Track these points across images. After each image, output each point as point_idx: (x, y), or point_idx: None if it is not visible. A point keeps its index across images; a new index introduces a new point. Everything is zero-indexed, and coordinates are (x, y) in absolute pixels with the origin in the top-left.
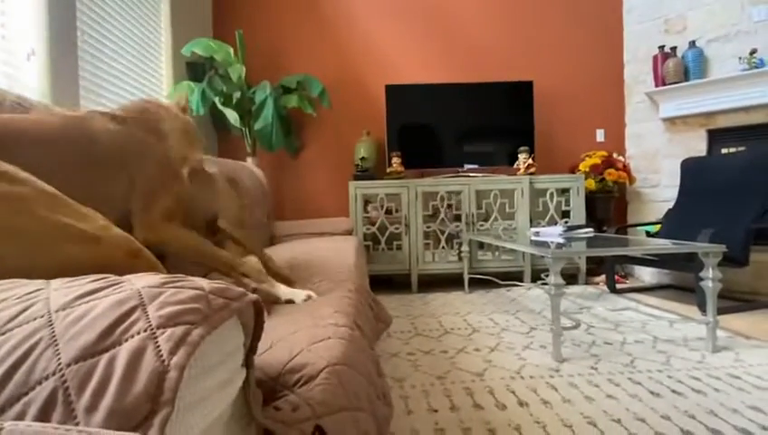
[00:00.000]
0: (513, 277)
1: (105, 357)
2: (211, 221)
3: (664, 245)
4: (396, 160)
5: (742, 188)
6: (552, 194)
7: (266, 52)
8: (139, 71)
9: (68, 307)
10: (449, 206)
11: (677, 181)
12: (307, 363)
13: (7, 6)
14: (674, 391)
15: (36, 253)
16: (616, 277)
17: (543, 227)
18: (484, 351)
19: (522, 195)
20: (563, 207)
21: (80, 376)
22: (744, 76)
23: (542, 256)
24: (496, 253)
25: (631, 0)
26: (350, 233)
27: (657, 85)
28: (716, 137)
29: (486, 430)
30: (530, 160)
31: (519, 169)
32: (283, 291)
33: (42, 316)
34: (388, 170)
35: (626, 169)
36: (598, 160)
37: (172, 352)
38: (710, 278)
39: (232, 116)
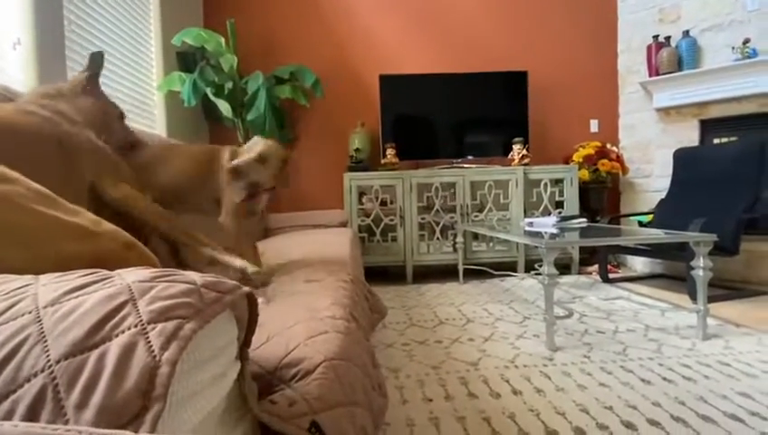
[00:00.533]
0: (507, 268)
1: (95, 353)
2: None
3: (656, 234)
4: (390, 152)
5: (733, 178)
6: (545, 184)
7: (258, 41)
8: (128, 61)
9: (56, 303)
10: (444, 197)
11: (670, 171)
12: (304, 358)
13: None
14: (665, 379)
15: (35, 251)
16: (609, 267)
17: (537, 217)
18: (479, 340)
19: (516, 185)
20: (557, 198)
21: (69, 373)
22: (737, 66)
23: (536, 247)
24: (490, 244)
25: None
26: (344, 225)
27: (650, 75)
28: (709, 127)
29: (481, 419)
30: (524, 151)
31: (513, 160)
32: (238, 263)
33: (30, 312)
34: (382, 162)
35: (619, 159)
36: (591, 151)
37: (163, 348)
38: (701, 267)
39: (224, 107)
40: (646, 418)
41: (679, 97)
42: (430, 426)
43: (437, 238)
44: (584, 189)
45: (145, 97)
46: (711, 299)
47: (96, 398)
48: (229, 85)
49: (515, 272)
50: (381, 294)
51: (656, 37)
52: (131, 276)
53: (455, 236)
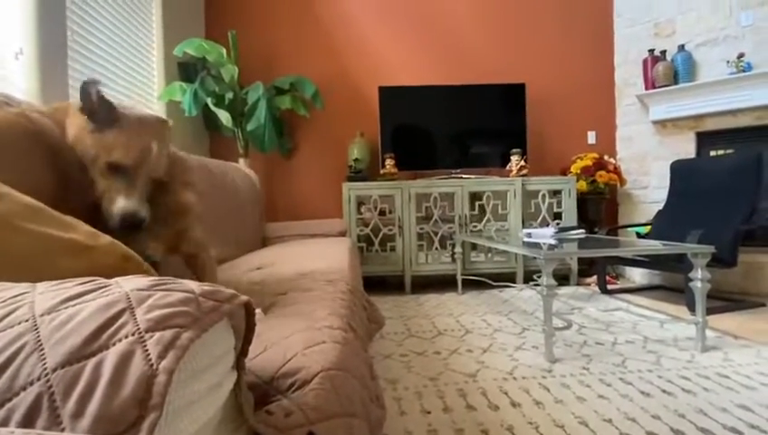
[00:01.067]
0: (506, 278)
1: (92, 362)
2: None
3: (654, 246)
4: (389, 162)
5: (730, 190)
6: (544, 195)
7: (259, 52)
8: (130, 71)
9: (53, 311)
10: (443, 208)
11: (667, 183)
12: (301, 368)
13: None
14: (664, 391)
15: (30, 272)
16: (607, 278)
17: (535, 228)
18: (477, 352)
19: (514, 196)
20: (555, 209)
21: (65, 381)
22: (732, 80)
23: (535, 258)
24: (489, 254)
25: (621, 4)
26: (343, 234)
27: (647, 88)
28: (705, 139)
29: (479, 431)
30: (522, 162)
31: (511, 171)
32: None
33: (26, 320)
34: (381, 172)
35: (616, 170)
36: (589, 162)
37: (161, 356)
38: (699, 279)
39: (224, 117)
40: (645, 431)
41: (675, 110)
42: None
43: (436, 248)
44: (582, 201)
45: (146, 106)
46: (710, 311)
47: (92, 407)
48: (230, 95)
49: (514, 283)
50: (380, 305)
51: (651, 51)
52: (129, 285)
53: (453, 246)
